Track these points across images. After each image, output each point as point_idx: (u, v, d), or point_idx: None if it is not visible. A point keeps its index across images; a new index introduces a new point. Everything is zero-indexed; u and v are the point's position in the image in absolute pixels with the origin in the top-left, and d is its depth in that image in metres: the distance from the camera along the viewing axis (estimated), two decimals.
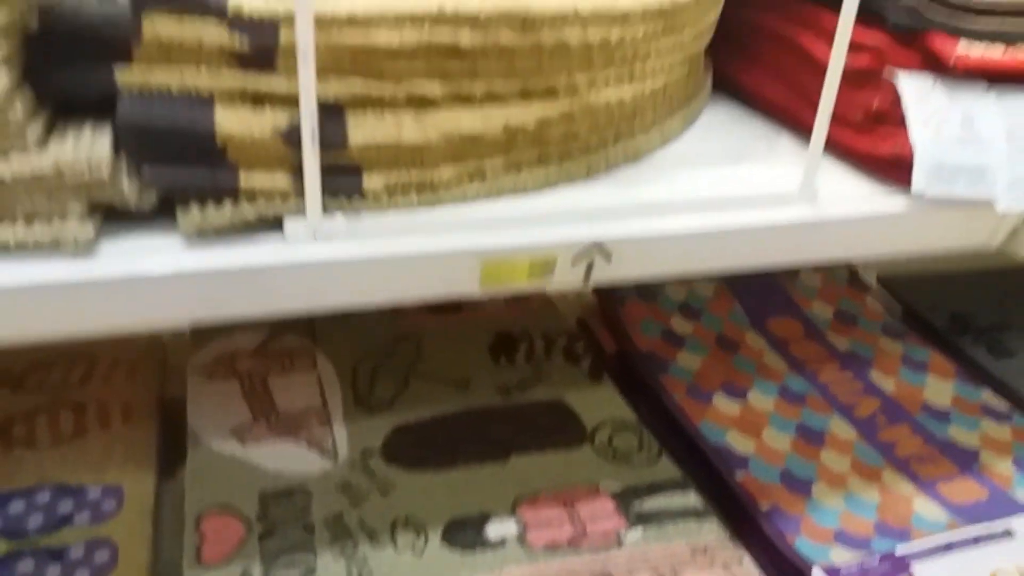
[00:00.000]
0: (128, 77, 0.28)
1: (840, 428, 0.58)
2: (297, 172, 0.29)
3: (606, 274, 0.33)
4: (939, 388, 0.63)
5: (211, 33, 0.28)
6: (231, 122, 0.28)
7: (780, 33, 0.42)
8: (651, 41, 0.35)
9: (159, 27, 0.27)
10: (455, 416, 0.53)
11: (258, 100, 0.29)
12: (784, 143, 0.42)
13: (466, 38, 0.30)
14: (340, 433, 0.52)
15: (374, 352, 0.59)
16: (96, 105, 0.29)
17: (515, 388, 0.56)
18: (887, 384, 0.63)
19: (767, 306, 0.71)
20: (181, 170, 0.28)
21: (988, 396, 0.62)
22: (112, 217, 0.29)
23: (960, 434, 0.58)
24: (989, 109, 0.35)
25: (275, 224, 0.30)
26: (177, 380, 0.59)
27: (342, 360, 0.58)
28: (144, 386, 0.59)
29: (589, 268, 0.33)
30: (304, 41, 0.27)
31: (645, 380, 0.61)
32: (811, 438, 0.57)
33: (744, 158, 0.39)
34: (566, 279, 0.33)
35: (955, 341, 0.67)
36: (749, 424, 0.57)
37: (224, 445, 0.51)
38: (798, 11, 0.40)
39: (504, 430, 0.52)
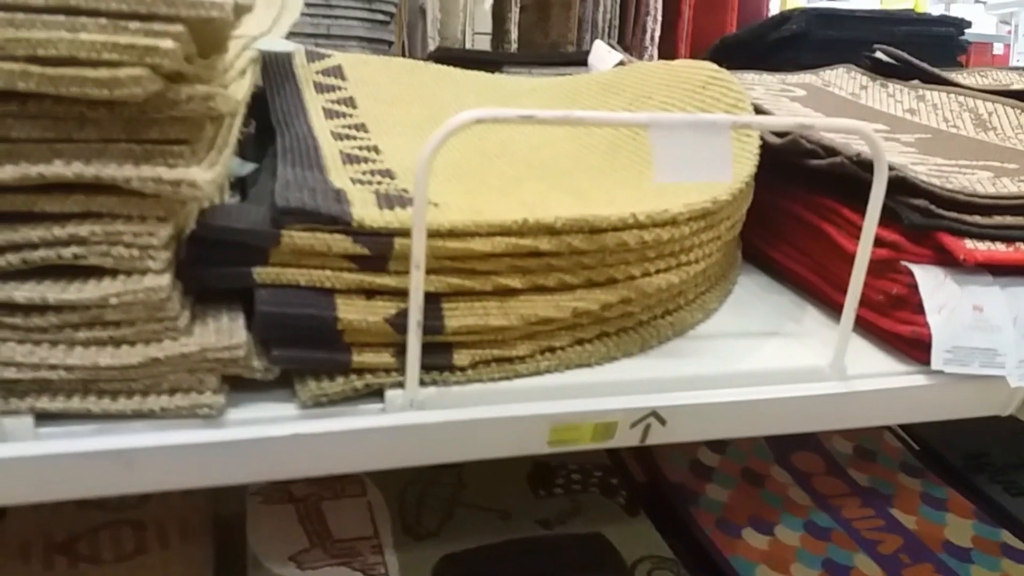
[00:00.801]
0: (264, 275, 0.33)
1: (865, 565, 0.61)
2: (399, 351, 0.34)
3: (661, 436, 0.38)
4: (959, 527, 0.65)
5: (337, 242, 0.33)
6: (349, 311, 0.34)
7: (806, 219, 0.47)
8: (695, 236, 0.40)
9: (295, 238, 0.33)
10: (499, 546, 0.56)
11: (371, 293, 0.34)
12: (811, 316, 0.47)
13: (544, 243, 0.35)
14: (392, 562, 0.55)
15: (419, 480, 0.63)
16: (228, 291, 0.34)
17: (555, 520, 0.59)
18: (908, 521, 0.66)
19: (790, 440, 0.74)
20: (305, 352, 0.33)
21: (1007, 536, 0.64)
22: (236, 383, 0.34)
23: (981, 574, 0.60)
24: (996, 298, 0.40)
25: (374, 392, 0.35)
26: (228, 498, 0.62)
27: (389, 487, 0.62)
28: (199, 505, 0.62)
29: (646, 431, 0.37)
30: (418, 251, 0.32)
31: (676, 511, 0.64)
32: (837, 574, 0.59)
33: (777, 332, 0.44)
34: (625, 440, 0.37)
35: (972, 480, 0.70)
36: (778, 559, 0.60)
37: (284, 570, 0.54)
38: (822, 203, 0.46)
39: (547, 562, 0.55)
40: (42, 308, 0.30)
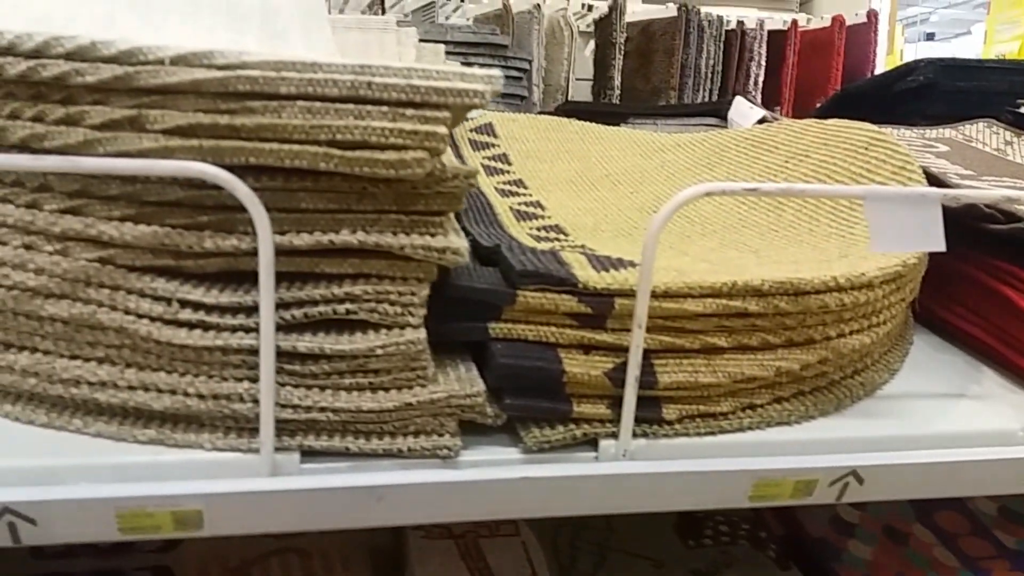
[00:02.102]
0: (498, 330, 0.37)
1: None
2: (613, 403, 0.37)
3: (857, 495, 0.39)
4: None
5: (564, 301, 0.36)
6: (573, 365, 0.36)
7: (982, 281, 0.48)
8: (886, 298, 0.42)
9: (528, 298, 0.36)
10: None
11: (588, 348, 0.37)
12: (990, 377, 0.47)
13: (752, 304, 0.38)
14: None
15: (568, 522, 0.65)
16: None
17: (708, 571, 0.60)
18: None
19: (932, 499, 0.73)
20: (532, 401, 0.36)
21: None
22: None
23: None
24: None
25: (587, 441, 0.38)
26: (383, 530, 0.66)
27: (540, 528, 0.64)
28: (358, 537, 0.66)
29: (844, 489, 0.39)
30: (641, 311, 0.35)
31: (820, 567, 0.64)
32: None
33: (961, 394, 0.45)
34: (822, 497, 0.39)
35: None
36: None
37: None
38: (999, 266, 0.47)
39: None
40: (316, 357, 0.34)
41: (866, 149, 0.56)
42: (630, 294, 0.36)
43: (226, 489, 0.33)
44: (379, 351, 0.34)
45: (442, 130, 0.33)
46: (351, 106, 0.33)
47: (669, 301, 0.37)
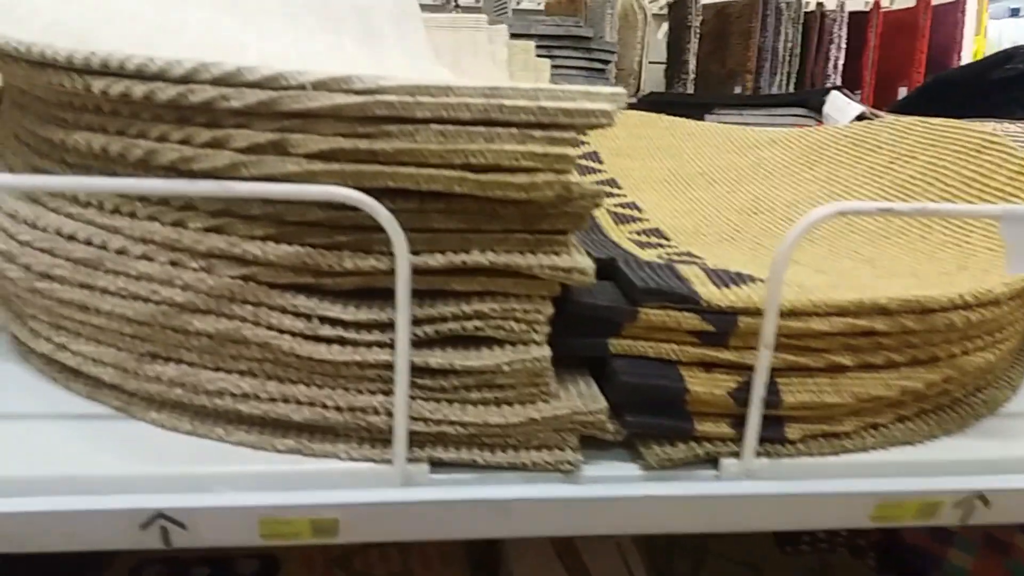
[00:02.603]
0: (618, 347, 0.37)
1: None
2: (736, 422, 0.37)
3: (982, 518, 0.38)
4: None
5: (687, 319, 0.36)
6: (695, 383, 0.37)
7: None
8: (1011, 314, 0.41)
9: (650, 315, 0.36)
10: None
11: (709, 366, 0.37)
12: None
13: (878, 323, 0.37)
14: None
15: None
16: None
17: None
18: None
19: None
20: (654, 418, 0.37)
21: None
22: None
23: None
24: None
25: (708, 459, 0.38)
26: None
27: None
28: None
29: (969, 511, 0.38)
30: (768, 332, 0.35)
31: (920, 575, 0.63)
32: None
33: None
34: (945, 519, 0.38)
35: None
36: None
37: None
38: None
39: None
40: (445, 371, 0.35)
41: (978, 152, 0.54)
42: (754, 312, 0.36)
43: (362, 499, 0.35)
44: (505, 367, 0.35)
45: (571, 152, 0.33)
46: (482, 128, 0.33)
47: (795, 320, 0.36)
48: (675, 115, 0.87)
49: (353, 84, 0.33)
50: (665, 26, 1.87)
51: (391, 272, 0.34)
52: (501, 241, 0.35)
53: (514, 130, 0.33)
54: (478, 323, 0.35)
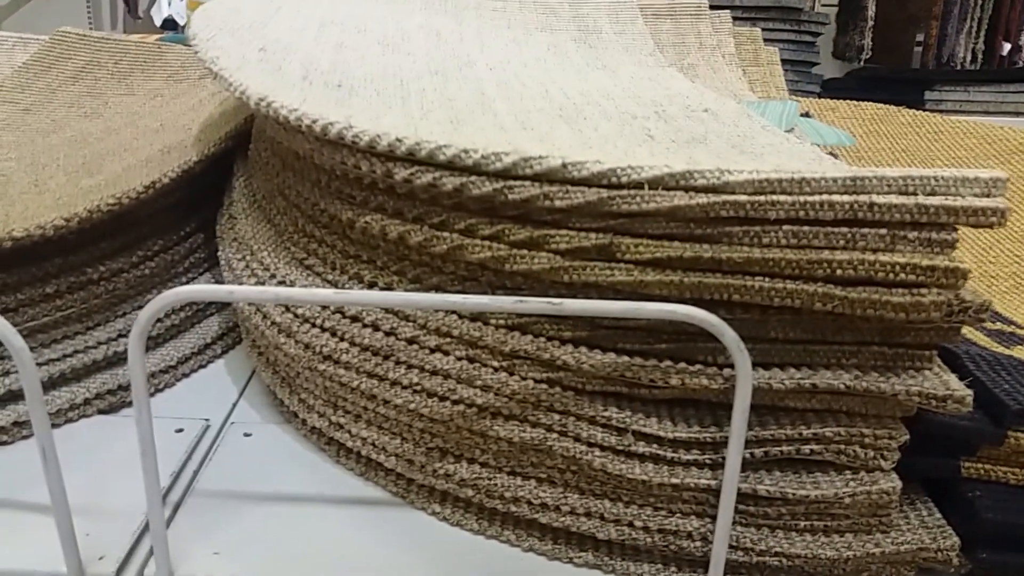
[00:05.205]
0: (972, 470, 0.32)
1: None
2: None
3: None
4: None
5: None
6: None
7: None
8: None
9: (1021, 440, 0.31)
10: None
11: None
12: None
13: None
14: None
15: None
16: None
17: None
18: None
19: None
20: (1013, 556, 0.31)
21: None
22: None
23: None
24: None
25: None
26: None
27: None
28: None
29: None
30: None
31: None
32: None
33: None
34: None
35: None
36: None
37: None
38: None
39: None
40: (772, 499, 0.31)
41: None
42: None
43: None
44: (847, 499, 0.30)
45: (963, 267, 0.27)
46: (844, 229, 0.28)
47: None
48: (886, 92, 0.77)
49: (694, 181, 0.28)
50: None
51: (723, 391, 0.29)
52: (852, 354, 0.30)
53: (883, 231, 0.28)
54: (816, 447, 0.31)
